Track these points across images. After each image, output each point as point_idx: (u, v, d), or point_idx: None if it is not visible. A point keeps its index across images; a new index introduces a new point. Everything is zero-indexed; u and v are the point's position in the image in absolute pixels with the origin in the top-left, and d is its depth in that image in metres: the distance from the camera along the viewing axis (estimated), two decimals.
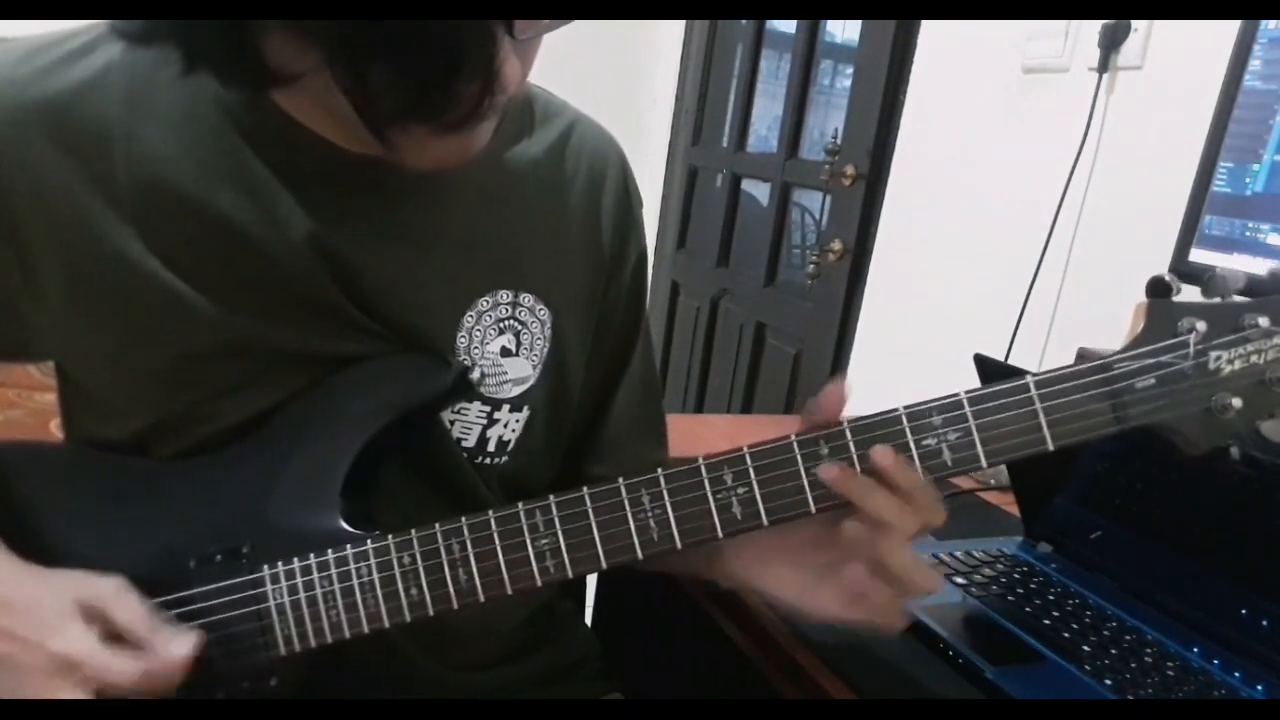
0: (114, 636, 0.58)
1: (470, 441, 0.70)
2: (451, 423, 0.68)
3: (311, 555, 0.61)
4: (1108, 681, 0.70)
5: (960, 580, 0.85)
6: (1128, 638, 0.77)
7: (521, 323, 0.70)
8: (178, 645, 0.59)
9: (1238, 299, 0.54)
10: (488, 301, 0.68)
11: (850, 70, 2.05)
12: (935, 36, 1.71)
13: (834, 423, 0.57)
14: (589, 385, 0.78)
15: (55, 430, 0.71)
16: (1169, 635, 0.77)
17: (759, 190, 2.46)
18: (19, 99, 0.58)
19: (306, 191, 0.61)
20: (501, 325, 0.69)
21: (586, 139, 0.75)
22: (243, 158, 0.60)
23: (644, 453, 0.83)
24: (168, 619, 0.60)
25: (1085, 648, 0.75)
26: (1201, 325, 0.52)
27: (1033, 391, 0.53)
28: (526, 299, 0.70)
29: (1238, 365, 0.52)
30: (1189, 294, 0.56)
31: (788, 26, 2.34)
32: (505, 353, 0.69)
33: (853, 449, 0.55)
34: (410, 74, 0.48)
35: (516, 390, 0.70)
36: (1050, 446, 0.53)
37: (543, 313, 0.71)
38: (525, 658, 0.78)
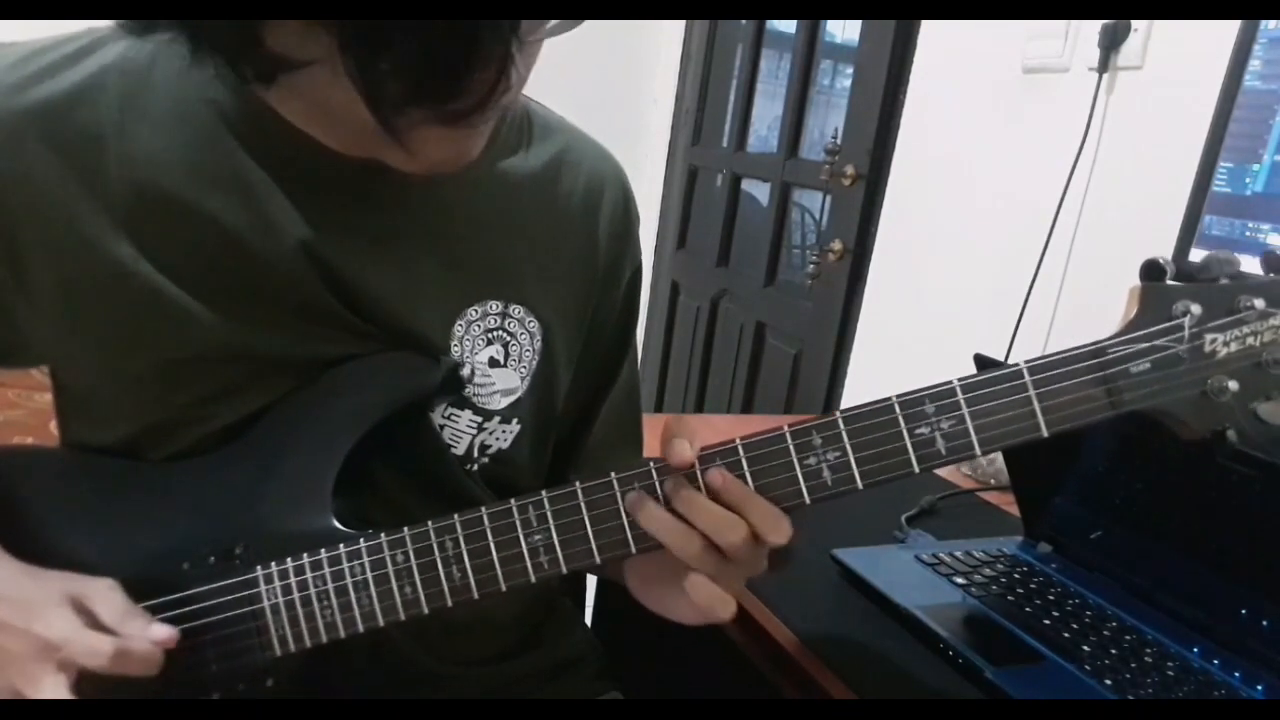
0: (99, 629, 0.58)
1: (459, 449, 0.70)
2: (441, 427, 0.68)
3: (305, 555, 0.61)
4: (1108, 681, 0.70)
5: (960, 580, 0.85)
6: (1128, 638, 0.77)
7: (510, 334, 0.69)
8: (154, 631, 0.59)
9: (1232, 281, 0.53)
10: (476, 311, 0.68)
11: (850, 70, 2.05)
12: (935, 36, 1.71)
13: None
14: (576, 395, 0.78)
15: (55, 430, 0.71)
16: (1169, 635, 0.77)
17: (759, 190, 2.46)
18: (11, 105, 0.58)
19: (299, 195, 0.61)
20: (490, 335, 0.69)
21: (585, 155, 0.75)
22: (236, 161, 0.60)
23: (622, 460, 0.82)
24: (147, 614, 0.60)
25: (1085, 648, 0.75)
26: (1196, 308, 0.52)
27: (1026, 378, 0.53)
28: (516, 310, 0.70)
29: (1233, 348, 0.52)
30: None
31: (788, 26, 2.34)
32: (493, 363, 0.69)
33: (846, 439, 0.55)
34: (424, 59, 0.47)
35: (505, 401, 0.70)
36: (1045, 433, 0.53)
37: (532, 325, 0.70)
38: (524, 655, 0.78)
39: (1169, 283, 0.54)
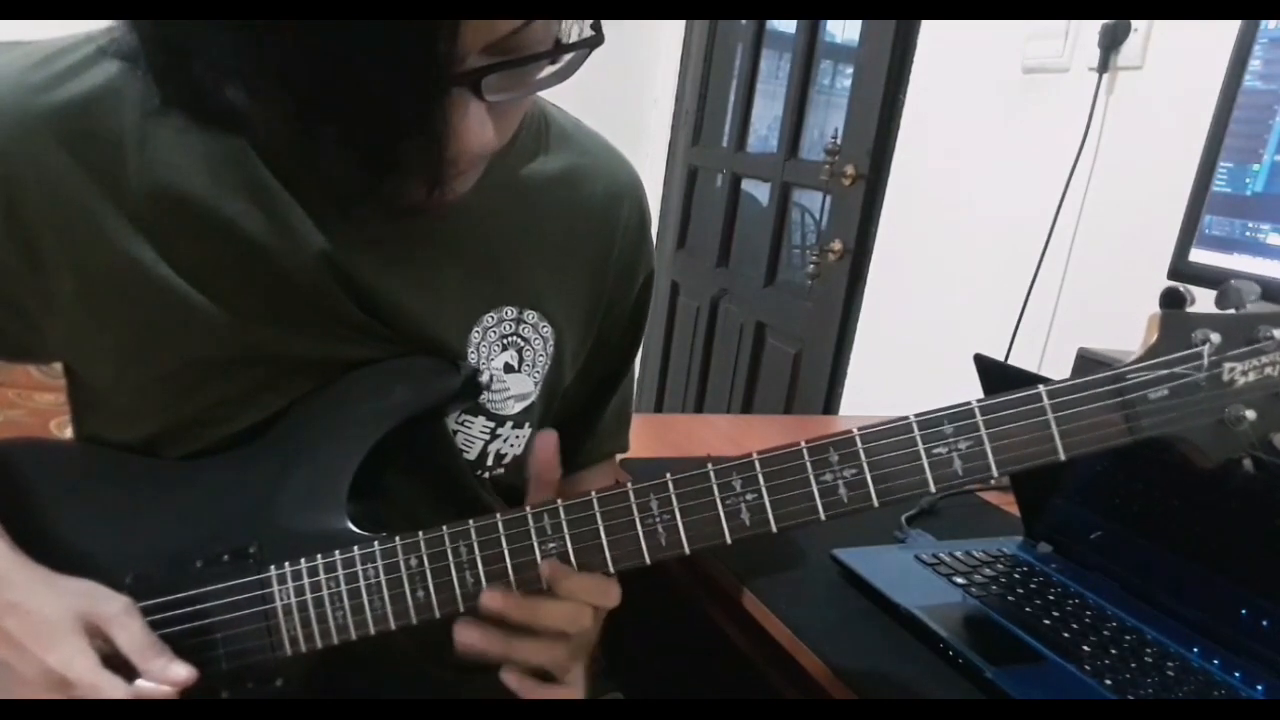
0: (114, 654, 0.59)
1: (471, 455, 0.70)
2: (454, 433, 0.69)
3: (318, 556, 0.61)
4: (1108, 681, 0.70)
5: (960, 580, 0.85)
6: (1128, 638, 0.77)
7: (524, 339, 0.70)
8: (173, 673, 0.59)
9: (1252, 310, 0.54)
10: (493, 317, 0.68)
11: (850, 70, 2.06)
12: (935, 36, 1.72)
13: (547, 475, 0.60)
14: (582, 392, 0.79)
15: (55, 430, 0.72)
16: (1169, 635, 0.78)
17: (759, 190, 2.46)
18: (31, 105, 0.58)
19: (318, 205, 0.61)
20: (505, 341, 0.69)
21: (603, 162, 0.75)
22: (254, 169, 0.61)
23: (617, 444, 0.86)
24: (166, 649, 0.60)
25: (1085, 648, 0.75)
26: (1215, 337, 0.52)
27: (1045, 401, 0.53)
28: (530, 316, 0.70)
29: (1251, 377, 0.52)
30: (1197, 296, 0.56)
31: (788, 26, 2.34)
32: (508, 369, 0.70)
33: (863, 457, 0.55)
34: (348, 170, 0.49)
35: (519, 406, 0.71)
36: (1062, 457, 0.53)
37: (546, 330, 0.71)
38: None
39: (1189, 310, 0.54)
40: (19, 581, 0.60)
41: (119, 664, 0.59)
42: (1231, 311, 0.54)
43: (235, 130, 0.57)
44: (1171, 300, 0.55)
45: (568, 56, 0.52)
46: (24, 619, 0.58)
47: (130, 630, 0.59)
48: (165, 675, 0.59)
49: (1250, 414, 0.52)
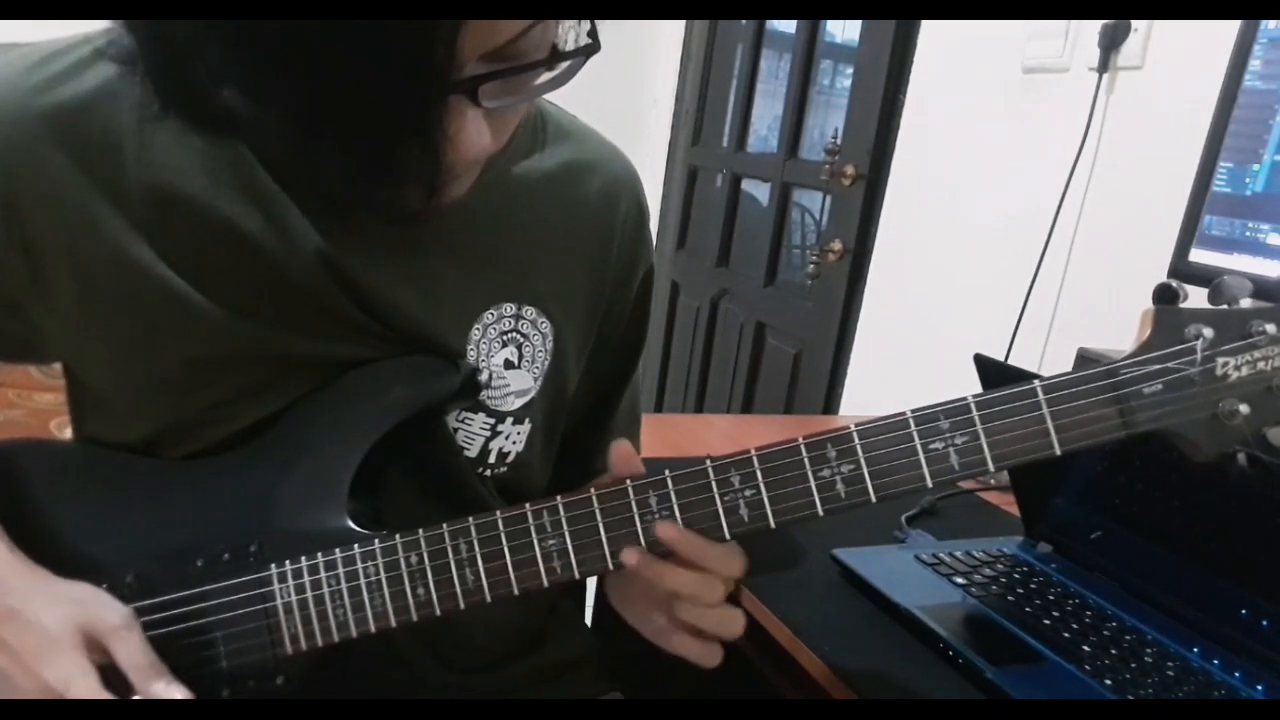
0: (112, 667, 0.59)
1: (472, 452, 0.70)
2: (455, 430, 0.69)
3: (319, 554, 0.61)
4: (1108, 681, 0.71)
5: (960, 580, 0.85)
6: (1128, 638, 0.77)
7: (524, 335, 0.70)
8: (169, 695, 0.59)
9: (1245, 305, 0.54)
10: (492, 314, 0.68)
11: (850, 70, 2.06)
12: (935, 36, 1.72)
13: (632, 476, 0.59)
14: (592, 390, 0.79)
15: (55, 430, 0.72)
16: (1169, 635, 0.78)
17: (759, 190, 2.46)
18: (30, 107, 0.58)
19: (315, 206, 0.61)
20: (505, 338, 0.69)
21: (601, 158, 0.75)
22: (251, 170, 0.61)
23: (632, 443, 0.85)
24: (165, 670, 0.60)
25: (1085, 648, 0.75)
26: (1209, 332, 0.52)
27: (1040, 396, 0.53)
28: (529, 312, 0.70)
29: (1245, 372, 0.52)
30: (1193, 293, 0.56)
31: (788, 26, 2.34)
32: (508, 365, 0.70)
33: (860, 452, 0.55)
34: (353, 170, 0.50)
35: (519, 403, 0.71)
36: (1058, 451, 0.53)
37: (544, 326, 0.71)
38: (526, 657, 0.79)
39: (1182, 306, 0.54)
40: (18, 588, 0.59)
41: (116, 676, 0.58)
42: (1224, 307, 0.54)
43: (232, 134, 0.57)
44: (1165, 296, 0.55)
45: (565, 63, 0.52)
46: (23, 629, 0.58)
47: (130, 645, 0.59)
48: (165, 697, 0.59)
49: (1244, 408, 0.52)
